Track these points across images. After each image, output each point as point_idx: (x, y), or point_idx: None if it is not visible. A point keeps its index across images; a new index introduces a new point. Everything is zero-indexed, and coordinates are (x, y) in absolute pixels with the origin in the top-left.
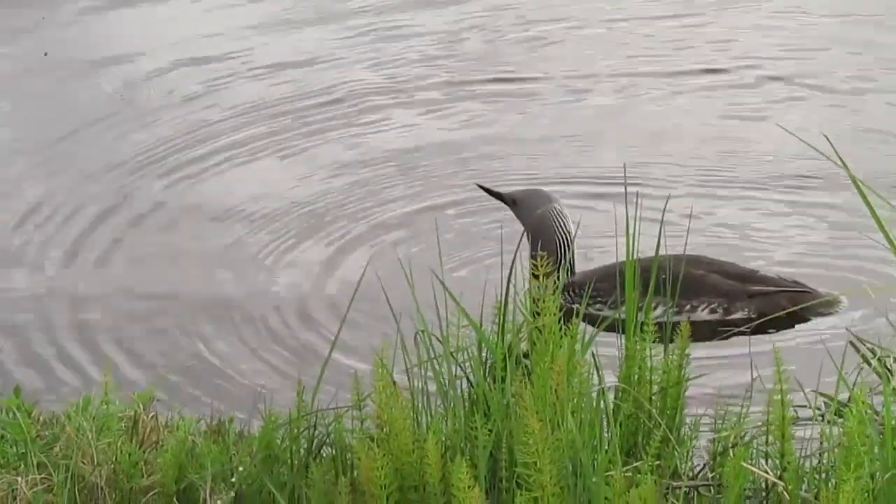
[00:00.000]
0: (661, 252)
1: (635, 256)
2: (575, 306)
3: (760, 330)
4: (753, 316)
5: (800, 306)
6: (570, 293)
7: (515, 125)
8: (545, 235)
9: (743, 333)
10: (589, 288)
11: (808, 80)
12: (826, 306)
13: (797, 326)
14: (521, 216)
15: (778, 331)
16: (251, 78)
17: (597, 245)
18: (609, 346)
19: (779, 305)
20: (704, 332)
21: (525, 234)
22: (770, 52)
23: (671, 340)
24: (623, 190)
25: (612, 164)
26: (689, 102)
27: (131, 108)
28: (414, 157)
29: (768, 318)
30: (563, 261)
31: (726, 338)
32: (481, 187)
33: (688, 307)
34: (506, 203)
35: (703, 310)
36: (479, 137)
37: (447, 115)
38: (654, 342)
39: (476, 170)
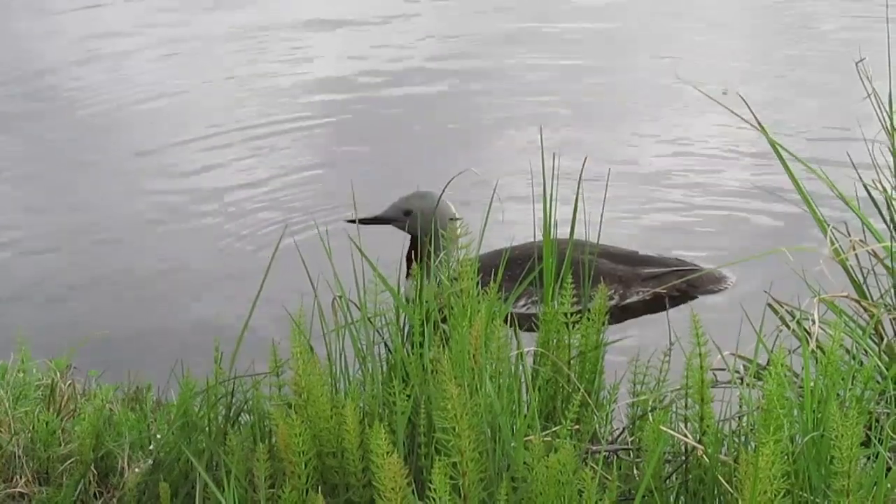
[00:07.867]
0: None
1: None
2: None
3: (674, 299)
4: (648, 298)
5: (690, 278)
6: None
7: None
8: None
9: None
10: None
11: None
12: (714, 283)
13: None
14: (419, 225)
15: (685, 300)
16: None
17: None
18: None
19: (672, 286)
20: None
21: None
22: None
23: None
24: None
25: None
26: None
27: None
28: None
29: (663, 296)
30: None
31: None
32: (354, 221)
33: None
34: (396, 221)
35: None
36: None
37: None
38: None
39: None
